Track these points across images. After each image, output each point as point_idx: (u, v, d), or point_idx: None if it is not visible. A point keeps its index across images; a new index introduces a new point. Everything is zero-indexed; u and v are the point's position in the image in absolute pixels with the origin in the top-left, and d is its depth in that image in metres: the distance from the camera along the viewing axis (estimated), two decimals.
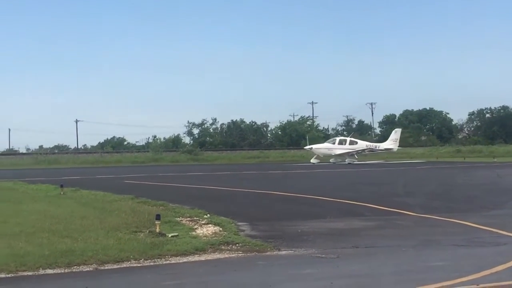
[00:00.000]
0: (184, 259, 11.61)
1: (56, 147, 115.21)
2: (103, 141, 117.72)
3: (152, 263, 11.19)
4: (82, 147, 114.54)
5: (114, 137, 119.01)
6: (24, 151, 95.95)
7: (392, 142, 73.04)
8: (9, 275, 10.08)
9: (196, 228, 15.15)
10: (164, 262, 11.32)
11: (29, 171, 53.19)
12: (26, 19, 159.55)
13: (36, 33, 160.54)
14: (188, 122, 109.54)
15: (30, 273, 10.25)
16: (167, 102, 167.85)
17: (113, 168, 56.95)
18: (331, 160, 68.06)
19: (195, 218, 16.92)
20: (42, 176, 39.88)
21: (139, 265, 11.04)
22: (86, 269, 10.60)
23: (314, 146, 69.23)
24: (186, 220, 16.53)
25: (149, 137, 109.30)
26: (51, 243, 12.47)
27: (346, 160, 66.69)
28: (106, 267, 10.77)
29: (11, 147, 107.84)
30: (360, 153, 69.15)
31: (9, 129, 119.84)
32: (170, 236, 13.55)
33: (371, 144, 73.75)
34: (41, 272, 10.34)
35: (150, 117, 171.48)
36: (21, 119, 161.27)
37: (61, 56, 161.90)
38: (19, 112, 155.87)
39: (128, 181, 35.31)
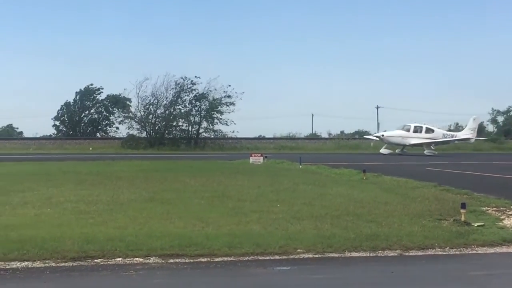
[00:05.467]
0: (491, 250, 11.10)
1: (357, 132, 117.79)
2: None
3: (457, 252, 10.88)
4: None
5: None
6: (326, 136, 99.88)
7: (469, 132, 62.35)
8: (317, 256, 10.42)
9: (503, 219, 14.45)
10: (470, 252, 10.93)
11: (331, 155, 55.08)
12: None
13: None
14: (493, 109, 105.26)
15: (336, 255, 10.49)
16: (470, 89, 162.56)
17: (415, 156, 56.72)
18: (396, 151, 59.50)
19: (501, 208, 16.16)
20: (344, 161, 41.07)
21: (444, 253, 10.79)
22: (391, 254, 10.61)
23: (385, 134, 60.40)
24: (492, 210, 15.85)
25: (451, 124, 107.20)
26: (356, 226, 12.72)
27: (425, 152, 58.21)
28: (410, 253, 10.69)
29: (314, 131, 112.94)
30: (438, 143, 60.22)
31: (312, 115, 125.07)
32: (476, 225, 13.10)
33: (448, 133, 63.73)
34: (347, 254, 10.54)
35: (452, 104, 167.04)
36: (323, 105, 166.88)
37: (362, 48, 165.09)
38: (322, 99, 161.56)
39: (430, 168, 35.00)
